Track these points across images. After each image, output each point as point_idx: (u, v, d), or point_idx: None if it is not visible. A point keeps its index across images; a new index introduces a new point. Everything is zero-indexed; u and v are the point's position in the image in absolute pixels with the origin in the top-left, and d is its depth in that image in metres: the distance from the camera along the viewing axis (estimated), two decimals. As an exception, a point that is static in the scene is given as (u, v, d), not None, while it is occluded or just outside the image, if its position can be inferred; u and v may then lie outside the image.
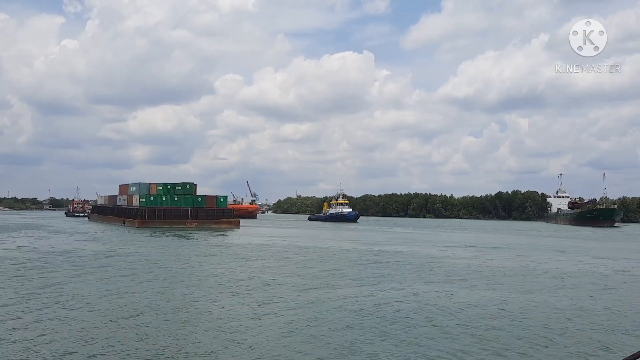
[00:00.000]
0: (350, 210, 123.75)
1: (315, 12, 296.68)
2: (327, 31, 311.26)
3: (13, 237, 50.54)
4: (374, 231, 77.34)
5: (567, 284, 24.01)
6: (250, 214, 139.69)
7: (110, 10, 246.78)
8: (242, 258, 33.25)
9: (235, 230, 70.60)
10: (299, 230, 76.94)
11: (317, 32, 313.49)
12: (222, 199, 79.74)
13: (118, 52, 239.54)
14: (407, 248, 43.78)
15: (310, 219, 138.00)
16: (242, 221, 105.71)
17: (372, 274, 26.05)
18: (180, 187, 77.03)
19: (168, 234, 58.28)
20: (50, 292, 19.38)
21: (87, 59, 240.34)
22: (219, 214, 76.24)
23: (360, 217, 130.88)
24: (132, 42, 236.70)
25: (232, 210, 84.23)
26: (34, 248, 38.00)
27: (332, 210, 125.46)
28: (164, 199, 74.82)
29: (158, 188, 77.43)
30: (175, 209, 73.37)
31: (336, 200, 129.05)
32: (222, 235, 58.35)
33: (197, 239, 51.56)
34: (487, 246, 48.10)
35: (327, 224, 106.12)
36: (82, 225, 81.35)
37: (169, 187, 76.99)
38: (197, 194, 78.88)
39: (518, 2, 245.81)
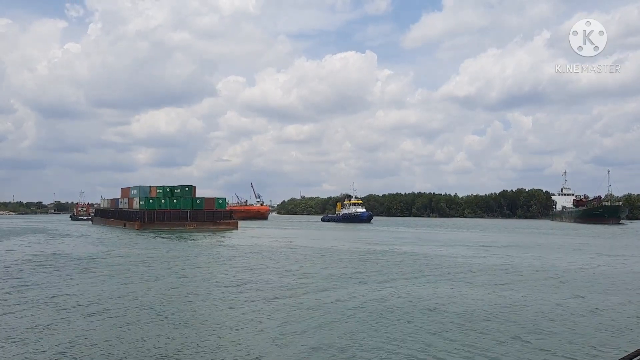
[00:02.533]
0: (364, 210, 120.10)
1: (316, 13, 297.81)
2: (329, 32, 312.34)
3: (12, 241, 50.82)
4: (391, 232, 75.14)
5: (575, 282, 23.64)
6: (262, 216, 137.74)
7: (112, 13, 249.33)
8: (245, 263, 33.15)
9: (234, 231, 70.66)
10: (313, 232, 74.71)
11: (319, 33, 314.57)
12: (220, 201, 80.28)
13: (120, 55, 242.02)
14: (439, 250, 42.76)
15: (323, 219, 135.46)
16: (253, 223, 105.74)
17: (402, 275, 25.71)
18: (179, 190, 77.55)
19: (166, 235, 58.36)
20: (41, 295, 19.32)
21: (90, 62, 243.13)
22: (217, 215, 76.73)
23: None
24: (134, 45, 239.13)
25: (230, 211, 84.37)
26: (31, 252, 38.11)
27: (345, 211, 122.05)
28: (163, 201, 75.37)
29: (158, 191, 78.01)
30: (175, 211, 73.93)
31: (349, 200, 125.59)
32: (222, 237, 58.26)
33: (194, 240, 51.54)
34: (496, 245, 47.52)
35: (341, 225, 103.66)
36: (85, 228, 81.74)
37: (168, 189, 77.56)
38: (198, 196, 79.82)
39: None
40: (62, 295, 19.29)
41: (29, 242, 48.86)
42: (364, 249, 41.58)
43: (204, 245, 46.16)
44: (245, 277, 24.67)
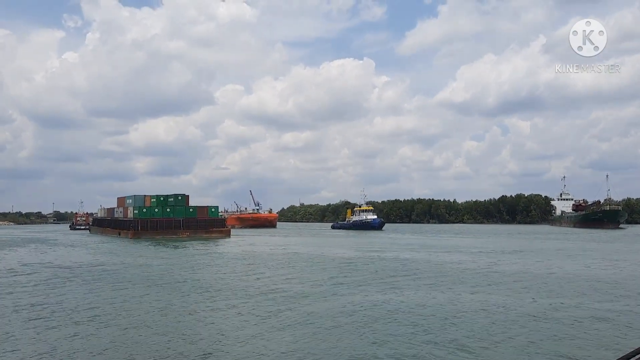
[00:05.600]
0: (375, 217, 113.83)
1: (313, 21, 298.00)
2: (326, 39, 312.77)
3: (9, 251, 50.81)
4: (403, 239, 71.65)
5: (571, 287, 23.39)
6: (270, 223, 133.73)
7: (110, 23, 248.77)
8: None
9: (227, 239, 70.79)
10: (325, 240, 71.23)
11: (316, 40, 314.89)
12: (213, 209, 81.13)
13: (118, 64, 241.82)
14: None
15: (333, 227, 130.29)
16: (262, 231, 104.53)
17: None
18: (172, 199, 78.24)
19: (159, 244, 58.45)
20: (23, 302, 19.36)
21: (87, 72, 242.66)
22: (210, 223, 77.20)
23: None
24: (132, 55, 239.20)
25: (223, 219, 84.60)
26: (20, 261, 37.97)
27: (355, 218, 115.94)
28: (156, 210, 75.90)
29: (152, 200, 78.53)
30: (168, 220, 74.40)
31: (359, 206, 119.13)
32: (215, 245, 58.14)
33: (186, 248, 51.48)
34: (499, 251, 47.13)
35: (352, 232, 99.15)
36: (81, 237, 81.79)
37: (162, 198, 78.16)
38: (197, 204, 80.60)
39: (514, 5, 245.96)
40: (44, 304, 19.25)
41: (18, 252, 48.80)
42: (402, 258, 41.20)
43: (195, 253, 46.02)
44: (233, 284, 24.52)
